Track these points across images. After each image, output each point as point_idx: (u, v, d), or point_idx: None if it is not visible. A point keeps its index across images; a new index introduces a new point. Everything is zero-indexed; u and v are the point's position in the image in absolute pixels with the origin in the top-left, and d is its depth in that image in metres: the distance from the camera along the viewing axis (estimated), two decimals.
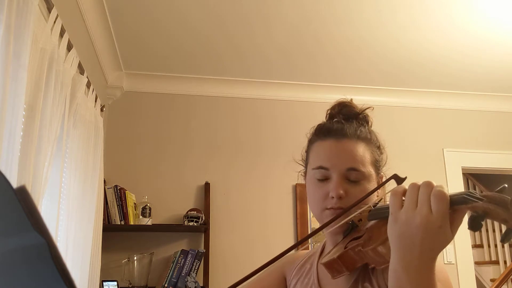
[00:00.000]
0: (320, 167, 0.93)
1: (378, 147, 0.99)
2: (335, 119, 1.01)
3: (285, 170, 3.38)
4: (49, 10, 1.76)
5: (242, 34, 2.84)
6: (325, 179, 0.92)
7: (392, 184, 0.82)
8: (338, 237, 0.95)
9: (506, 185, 0.66)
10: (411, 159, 3.47)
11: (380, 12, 2.61)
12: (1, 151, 1.28)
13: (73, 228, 2.08)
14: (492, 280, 4.84)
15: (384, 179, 0.98)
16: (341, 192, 0.89)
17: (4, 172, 0.81)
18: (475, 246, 5.26)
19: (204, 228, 3.03)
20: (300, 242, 0.92)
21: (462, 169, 3.59)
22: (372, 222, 0.85)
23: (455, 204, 0.66)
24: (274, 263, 1.10)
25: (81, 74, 2.20)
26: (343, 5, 2.54)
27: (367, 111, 1.01)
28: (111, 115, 3.30)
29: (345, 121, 0.98)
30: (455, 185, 3.53)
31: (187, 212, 3.06)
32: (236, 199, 3.28)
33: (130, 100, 3.37)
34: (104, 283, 2.75)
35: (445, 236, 0.66)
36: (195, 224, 2.99)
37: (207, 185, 3.23)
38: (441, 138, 3.63)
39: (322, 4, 2.53)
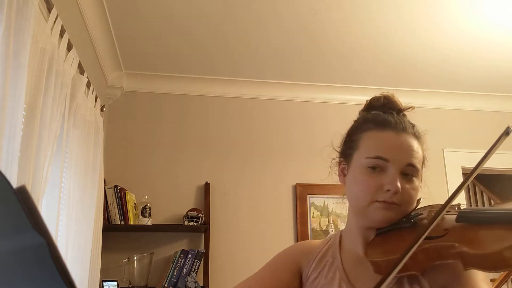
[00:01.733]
0: (379, 157, 0.88)
1: (424, 147, 0.97)
2: (377, 112, 0.97)
3: (285, 170, 3.39)
4: (49, 10, 1.76)
5: (241, 34, 2.84)
6: (379, 170, 0.88)
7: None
8: (370, 232, 0.92)
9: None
10: None
11: (379, 13, 2.61)
12: (1, 151, 1.28)
13: (73, 228, 2.08)
14: (492, 280, 4.84)
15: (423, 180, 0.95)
16: (399, 186, 0.85)
17: (4, 172, 0.81)
18: None
19: (204, 228, 3.03)
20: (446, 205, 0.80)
21: (462, 169, 3.59)
22: (459, 224, 0.81)
23: None
24: (288, 254, 1.04)
25: (81, 74, 2.20)
26: (339, 5, 2.54)
27: (409, 111, 1.00)
28: (111, 115, 3.30)
29: (397, 115, 0.95)
30: (455, 185, 3.52)
31: (187, 212, 3.06)
32: (236, 199, 3.28)
33: (130, 100, 3.37)
34: (104, 283, 2.75)
35: None
36: (195, 224, 2.99)
37: (207, 185, 3.22)
38: (441, 138, 3.63)
39: (317, 4, 2.53)
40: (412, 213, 0.89)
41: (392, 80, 3.47)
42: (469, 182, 0.81)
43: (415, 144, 0.91)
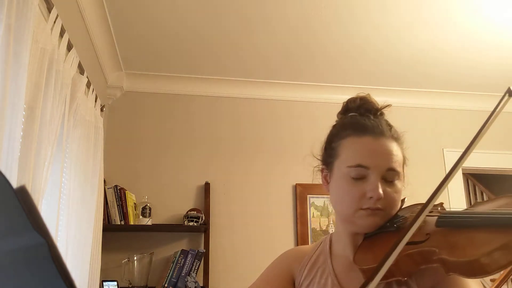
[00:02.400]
0: (359, 165, 0.88)
1: (403, 148, 0.96)
2: (351, 114, 0.97)
3: (285, 170, 3.39)
4: (49, 10, 1.76)
5: (242, 34, 2.84)
6: (361, 178, 0.88)
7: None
8: (359, 237, 0.92)
9: None
10: (411, 159, 3.46)
11: (381, 13, 2.61)
12: (1, 151, 1.28)
13: (73, 228, 2.08)
14: (492, 280, 4.84)
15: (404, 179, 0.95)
16: (382, 193, 0.86)
17: (4, 172, 0.81)
18: None
19: (204, 228, 3.03)
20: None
21: (462, 169, 3.59)
22: (439, 228, 0.80)
23: None
24: (280, 263, 1.05)
25: (81, 74, 2.20)
26: (344, 5, 2.54)
27: (387, 109, 0.99)
28: (111, 115, 3.30)
29: (374, 116, 0.95)
30: (455, 185, 3.53)
31: (187, 212, 3.06)
32: (236, 199, 3.28)
33: (130, 100, 3.37)
34: (104, 283, 2.75)
35: None
36: (195, 224, 2.99)
37: (207, 185, 3.22)
38: (441, 138, 3.63)
39: (322, 4, 2.53)
40: (396, 217, 0.89)
41: (392, 80, 3.47)
42: (456, 171, 0.80)
43: (394, 147, 0.91)
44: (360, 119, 0.94)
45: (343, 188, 0.90)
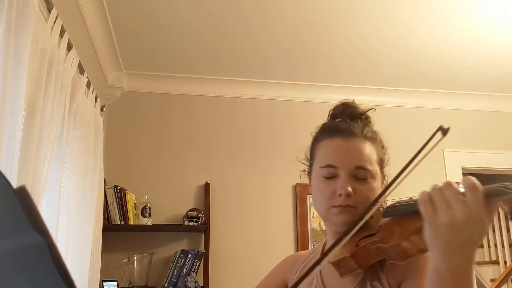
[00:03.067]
0: (328, 165, 0.93)
1: (382, 147, 1.00)
2: (339, 119, 1.01)
3: (285, 170, 3.39)
4: (49, 10, 1.76)
5: (241, 34, 2.84)
6: (332, 177, 0.93)
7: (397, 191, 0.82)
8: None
9: None
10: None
11: (382, 13, 2.61)
12: (1, 151, 1.28)
13: (73, 228, 2.08)
14: (492, 280, 4.84)
15: (387, 179, 0.99)
16: (349, 189, 0.89)
17: (4, 172, 0.81)
18: None
19: (204, 228, 3.03)
20: (330, 249, 0.83)
21: (462, 169, 3.59)
22: (387, 219, 0.85)
23: (490, 196, 0.66)
24: (277, 270, 1.12)
25: (81, 74, 2.20)
26: (343, 5, 2.54)
27: (370, 112, 1.03)
28: (111, 115, 3.30)
29: (350, 121, 0.99)
30: None
31: (187, 212, 3.06)
32: (236, 199, 3.28)
33: (130, 100, 3.37)
34: (104, 283, 2.75)
35: (484, 228, 0.67)
36: (195, 224, 2.99)
37: (207, 185, 3.22)
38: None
39: (322, 4, 2.53)
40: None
41: (392, 80, 3.47)
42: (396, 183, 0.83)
43: (366, 147, 0.94)
44: (335, 122, 1.00)
45: (318, 187, 0.96)
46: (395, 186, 0.82)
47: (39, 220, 0.32)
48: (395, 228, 0.81)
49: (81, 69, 2.21)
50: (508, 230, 5.20)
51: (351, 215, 0.90)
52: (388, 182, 0.85)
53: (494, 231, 5.34)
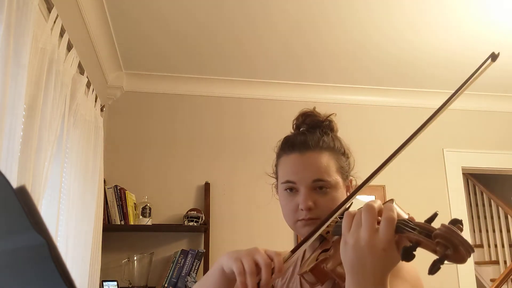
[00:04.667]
0: (288, 181, 0.96)
1: (343, 153, 1.01)
2: (301, 129, 1.04)
3: None
4: (49, 10, 1.76)
5: (243, 33, 2.84)
6: (294, 191, 0.95)
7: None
8: (316, 243, 0.95)
9: (437, 212, 0.66)
10: (411, 159, 3.47)
11: (383, 12, 2.61)
12: (1, 151, 1.28)
13: (73, 228, 2.08)
14: (492, 280, 4.84)
15: (355, 182, 0.99)
16: (310, 203, 0.91)
17: (4, 172, 0.81)
18: (475, 246, 5.26)
19: (204, 228, 3.03)
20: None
21: (462, 169, 3.59)
22: (337, 237, 0.84)
23: (397, 232, 0.65)
24: None
25: (81, 74, 2.20)
26: (347, 5, 2.54)
27: (331, 117, 1.04)
28: (111, 115, 3.30)
29: (309, 131, 1.00)
30: (455, 185, 3.53)
31: (187, 212, 3.06)
32: (236, 199, 3.28)
33: (130, 100, 3.37)
34: (104, 283, 2.75)
35: (391, 260, 0.66)
36: (195, 224, 2.99)
37: (207, 185, 3.23)
38: (441, 138, 3.63)
39: (327, 4, 2.53)
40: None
41: (392, 80, 3.47)
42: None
43: (322, 158, 0.95)
44: (291, 137, 1.02)
45: (283, 203, 0.99)
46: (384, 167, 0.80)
47: (39, 220, 0.32)
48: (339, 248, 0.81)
49: (81, 69, 2.21)
50: (508, 230, 5.20)
51: (316, 226, 0.90)
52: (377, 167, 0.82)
53: (494, 231, 5.34)
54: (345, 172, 0.99)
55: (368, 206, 0.68)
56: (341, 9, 2.58)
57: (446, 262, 0.58)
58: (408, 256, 0.60)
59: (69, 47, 2.00)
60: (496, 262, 5.22)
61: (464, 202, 3.56)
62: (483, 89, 3.61)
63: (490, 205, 5.47)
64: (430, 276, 0.60)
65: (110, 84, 3.26)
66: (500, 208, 5.27)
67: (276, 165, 1.05)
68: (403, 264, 0.82)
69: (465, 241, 0.58)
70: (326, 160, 0.96)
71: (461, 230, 0.60)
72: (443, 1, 2.52)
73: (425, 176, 3.50)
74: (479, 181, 5.64)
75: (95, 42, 2.69)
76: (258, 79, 3.45)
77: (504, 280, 3.97)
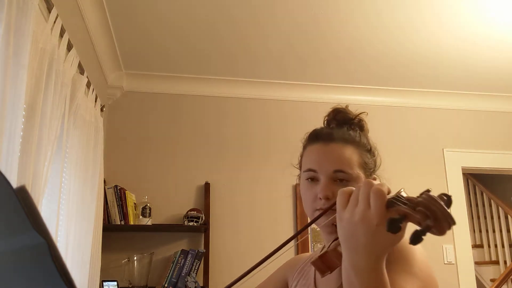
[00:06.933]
0: (309, 170, 0.97)
1: (369, 150, 1.01)
2: (331, 125, 1.05)
3: (285, 170, 3.38)
4: (49, 10, 1.76)
5: (246, 32, 2.84)
6: (314, 181, 0.96)
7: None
8: (332, 236, 0.95)
9: (430, 189, 0.66)
10: (411, 159, 3.47)
11: (381, 12, 2.61)
12: (1, 151, 1.28)
13: (73, 228, 2.08)
14: (492, 280, 4.84)
15: (378, 181, 0.99)
16: (328, 193, 0.92)
17: (4, 172, 0.81)
18: (475, 246, 5.26)
19: (204, 228, 3.03)
20: (283, 244, 0.91)
21: (462, 169, 3.59)
22: None
23: (388, 206, 0.66)
24: (277, 272, 1.15)
25: (81, 74, 2.20)
26: (348, 6, 2.54)
27: (362, 116, 1.05)
28: (111, 115, 3.30)
29: (337, 126, 1.02)
30: (455, 185, 3.53)
31: (187, 212, 3.06)
32: (236, 199, 3.28)
33: (130, 100, 3.37)
34: (104, 283, 2.75)
35: (384, 237, 0.65)
36: (195, 224, 2.99)
37: (207, 185, 3.22)
38: (441, 138, 3.63)
39: (330, 3, 2.53)
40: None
41: (396, 81, 3.47)
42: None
43: (346, 150, 0.96)
44: (318, 129, 1.04)
45: (303, 191, 1.00)
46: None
47: (39, 220, 0.32)
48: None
49: (81, 69, 2.21)
50: (508, 230, 5.20)
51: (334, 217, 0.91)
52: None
53: (494, 231, 5.34)
54: (368, 169, 0.99)
55: (366, 181, 0.69)
56: (343, 10, 2.58)
57: (428, 232, 0.58)
58: (393, 227, 0.60)
59: (69, 47, 2.00)
60: (496, 262, 5.22)
61: (464, 202, 3.56)
62: (483, 89, 3.61)
63: (490, 205, 5.47)
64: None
65: (110, 84, 3.26)
66: (500, 208, 5.27)
67: (301, 156, 1.06)
68: (417, 261, 0.83)
69: (445, 210, 0.58)
70: (350, 153, 0.96)
71: (447, 203, 0.60)
72: (444, 1, 2.52)
73: (425, 176, 3.50)
74: (479, 181, 5.64)
75: (95, 42, 2.69)
76: (260, 79, 3.45)
77: (504, 280, 3.97)
